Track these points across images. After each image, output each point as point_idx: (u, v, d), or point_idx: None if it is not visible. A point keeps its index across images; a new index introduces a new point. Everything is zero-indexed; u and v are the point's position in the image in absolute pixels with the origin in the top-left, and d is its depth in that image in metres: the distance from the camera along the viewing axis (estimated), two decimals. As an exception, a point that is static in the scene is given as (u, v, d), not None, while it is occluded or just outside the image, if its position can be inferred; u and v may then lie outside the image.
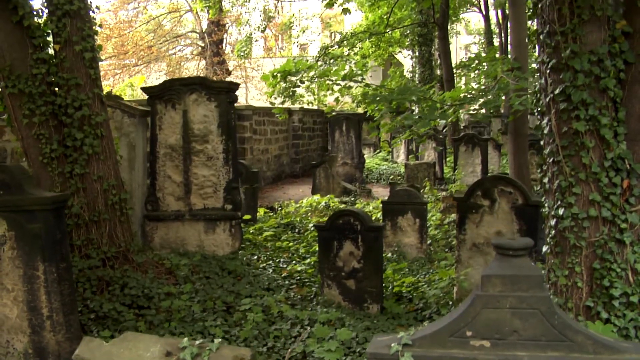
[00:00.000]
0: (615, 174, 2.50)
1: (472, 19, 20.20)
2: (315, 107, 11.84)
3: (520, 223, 3.57)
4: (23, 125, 3.63)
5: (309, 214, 6.33)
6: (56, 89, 3.69)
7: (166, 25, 12.60)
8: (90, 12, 3.86)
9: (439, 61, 13.13)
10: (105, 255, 3.66)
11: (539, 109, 2.66)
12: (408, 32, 13.25)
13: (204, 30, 12.10)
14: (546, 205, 2.69)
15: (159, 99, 4.44)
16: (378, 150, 11.61)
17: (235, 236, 4.35)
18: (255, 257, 4.54)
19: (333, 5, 7.04)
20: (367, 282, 3.60)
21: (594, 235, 2.53)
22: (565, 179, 2.54)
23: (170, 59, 12.57)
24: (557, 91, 2.51)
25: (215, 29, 11.60)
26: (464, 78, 14.41)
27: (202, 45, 12.44)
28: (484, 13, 16.79)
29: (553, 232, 2.63)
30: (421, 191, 6.94)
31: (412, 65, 14.51)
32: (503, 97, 5.61)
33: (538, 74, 2.64)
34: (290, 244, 4.97)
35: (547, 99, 2.58)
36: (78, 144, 3.66)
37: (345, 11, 7.20)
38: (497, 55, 15.51)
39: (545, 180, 2.67)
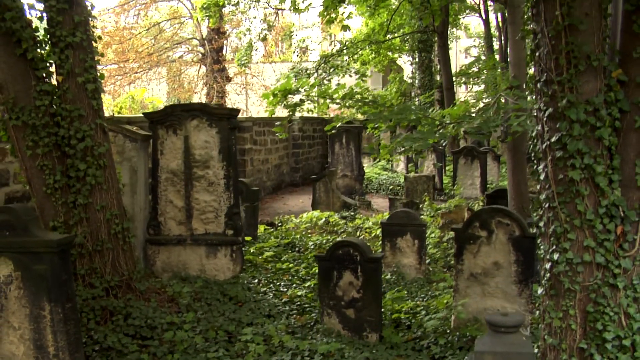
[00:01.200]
0: (610, 221, 2.55)
1: (472, 22, 20.19)
2: (315, 114, 11.88)
3: (517, 254, 3.63)
4: (27, 156, 3.68)
5: (309, 231, 6.38)
6: (59, 117, 3.73)
7: (167, 31, 12.60)
8: (93, 42, 3.90)
9: (438, 66, 13.15)
10: (109, 284, 3.72)
11: (535, 154, 2.71)
12: (408, 38, 13.26)
13: (204, 37, 12.11)
14: (542, 247, 2.75)
15: (161, 124, 4.48)
16: (378, 160, 11.67)
17: (236, 261, 4.40)
18: (256, 280, 4.60)
19: (333, 22, 7.07)
20: (367, 311, 3.66)
21: (588, 280, 2.59)
22: (560, 225, 2.59)
23: (171, 66, 12.58)
24: (553, 139, 2.56)
25: (216, 36, 11.61)
26: (463, 86, 14.44)
27: (203, 52, 12.45)
28: (484, 17, 16.79)
29: (548, 275, 2.68)
30: (420, 206, 6.99)
31: (412, 71, 14.53)
32: (502, 116, 5.64)
33: (535, 121, 2.68)
34: (291, 265, 5.03)
35: (544, 146, 2.63)
36: (81, 175, 3.71)
37: (345, 28, 7.22)
38: (497, 57, 15.56)
39: (541, 224, 2.72)
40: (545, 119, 2.60)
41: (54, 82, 3.79)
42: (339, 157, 8.33)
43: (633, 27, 2.52)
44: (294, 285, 4.58)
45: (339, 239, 5.98)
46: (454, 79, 11.37)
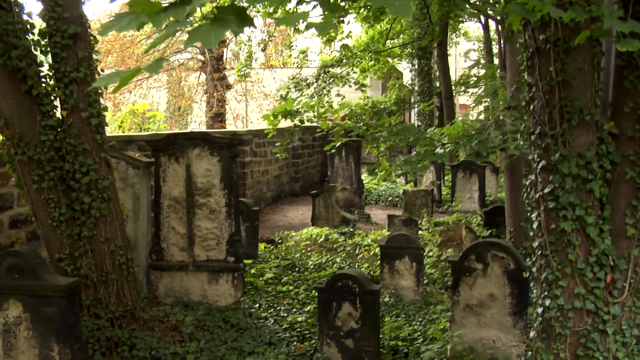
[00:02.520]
0: (600, 269, 2.64)
1: (472, 25, 20.20)
2: (315, 123, 11.94)
3: (512, 287, 3.72)
4: (32, 190, 3.76)
5: (308, 249, 6.47)
6: (64, 152, 3.80)
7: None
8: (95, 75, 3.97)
9: (437, 73, 13.20)
10: (113, 314, 3.81)
11: (529, 203, 2.79)
12: (407, 45, 13.30)
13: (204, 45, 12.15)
14: (534, 292, 2.83)
15: (163, 152, 4.55)
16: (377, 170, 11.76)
17: (237, 287, 4.49)
18: (257, 305, 4.69)
19: (332, 42, 7.13)
20: (365, 342, 3.75)
21: (578, 325, 2.68)
22: (552, 273, 2.68)
23: (170, 73, 12.61)
24: (546, 190, 2.65)
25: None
26: (463, 94, 14.47)
27: (203, 59, 12.50)
28: (483, 22, 16.80)
29: (540, 319, 2.77)
30: (419, 222, 7.08)
31: (412, 77, 14.57)
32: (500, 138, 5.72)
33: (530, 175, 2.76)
34: (291, 287, 5.12)
35: (537, 196, 2.71)
36: (86, 208, 3.79)
37: (345, 47, 7.28)
38: (497, 60, 15.54)
39: (534, 269, 2.81)
40: (538, 170, 2.68)
41: (58, 115, 3.86)
42: (339, 171, 8.41)
43: (624, 83, 2.59)
44: (294, 309, 4.67)
45: (338, 259, 6.09)
46: (453, 88, 11.42)
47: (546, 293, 2.71)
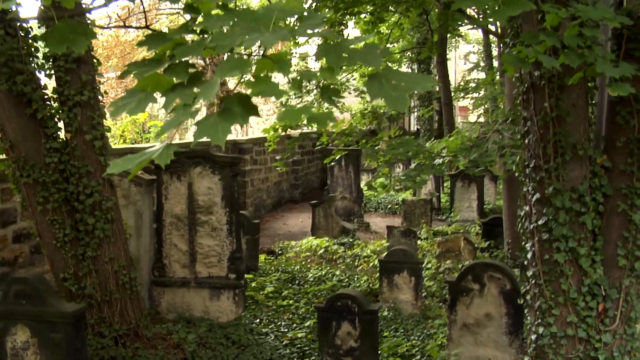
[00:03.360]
0: (592, 299, 2.71)
1: (471, 30, 20.17)
2: (314, 129, 11.98)
3: (508, 307, 3.79)
4: (37, 212, 3.82)
5: (308, 260, 6.55)
6: (68, 174, 3.87)
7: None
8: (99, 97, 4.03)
9: (437, 78, 13.24)
10: (117, 333, 3.88)
11: (524, 233, 2.86)
12: (406, 49, 13.33)
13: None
14: (528, 319, 2.91)
15: (165, 170, 4.62)
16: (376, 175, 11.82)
17: (238, 303, 4.57)
18: (258, 320, 4.76)
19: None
20: (364, 360, 3.83)
21: (571, 352, 2.75)
22: (545, 302, 2.75)
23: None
24: (540, 222, 2.71)
25: (216, 51, 11.73)
26: (462, 100, 14.52)
27: (203, 65, 12.55)
28: (483, 26, 16.79)
29: (533, 345, 2.85)
30: (418, 232, 7.15)
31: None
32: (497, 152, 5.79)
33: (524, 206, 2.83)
34: (291, 302, 5.19)
35: (532, 226, 2.78)
36: (90, 229, 3.86)
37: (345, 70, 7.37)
38: (496, 64, 15.57)
39: (528, 297, 2.88)
40: (533, 202, 2.75)
41: (62, 137, 3.93)
42: (338, 180, 8.48)
43: (617, 118, 2.65)
44: (294, 324, 4.75)
45: (337, 272, 6.16)
46: (452, 94, 11.47)
47: (540, 320, 2.78)
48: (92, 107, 3.90)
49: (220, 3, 1.37)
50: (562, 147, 2.64)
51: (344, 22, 6.33)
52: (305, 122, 1.17)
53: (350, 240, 7.31)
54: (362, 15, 7.00)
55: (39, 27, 3.95)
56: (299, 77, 1.19)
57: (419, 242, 7.09)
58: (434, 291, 5.62)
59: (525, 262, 2.88)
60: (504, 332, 3.82)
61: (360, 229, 8.14)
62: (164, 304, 4.70)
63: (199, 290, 4.60)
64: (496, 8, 1.60)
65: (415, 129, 15.58)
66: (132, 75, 1.29)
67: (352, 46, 1.24)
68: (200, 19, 1.29)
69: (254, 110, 1.18)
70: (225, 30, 1.29)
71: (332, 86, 1.23)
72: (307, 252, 6.64)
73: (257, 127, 13.57)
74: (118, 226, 3.99)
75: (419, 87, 1.13)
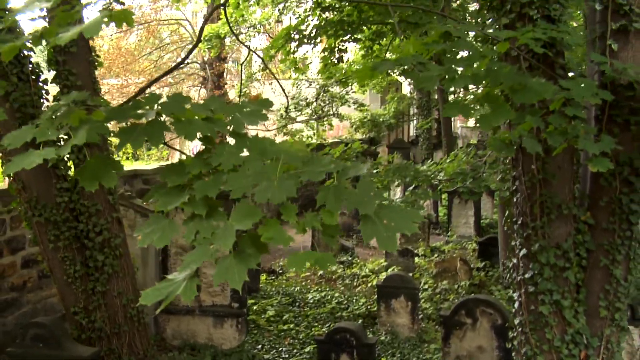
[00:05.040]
0: (575, 347, 2.88)
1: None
2: (314, 140, 12.13)
3: (499, 340, 3.98)
4: (49, 249, 3.99)
5: (307, 280, 6.73)
6: (78, 212, 4.03)
7: (165, 57, 12.80)
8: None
9: (436, 87, 13.38)
10: (126, 364, 4.07)
11: (511, 284, 3.03)
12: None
13: (205, 61, 12.33)
14: (516, 362, 3.08)
15: (170, 201, 4.77)
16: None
17: (241, 330, 4.75)
18: (260, 346, 4.95)
19: (332, 78, 7.35)
20: (361, 390, 4.02)
21: (556, 397, 2.93)
22: (531, 349, 2.92)
23: (171, 90, 12.76)
24: (526, 275, 2.88)
25: (217, 63, 11.84)
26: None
27: (204, 75, 12.66)
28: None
29: (521, 388, 3.03)
30: (415, 250, 7.32)
31: (410, 92, 14.75)
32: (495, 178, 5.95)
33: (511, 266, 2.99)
34: (292, 325, 5.37)
35: (519, 278, 2.95)
36: (99, 265, 4.02)
37: (344, 85, 7.50)
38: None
39: (515, 342, 3.05)
40: (520, 256, 2.92)
41: (72, 176, 4.08)
42: (338, 196, 8.63)
43: (600, 180, 2.81)
44: (295, 350, 4.93)
45: (336, 293, 6.33)
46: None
47: (526, 367, 2.96)
48: (99, 147, 4.05)
49: (230, 129, 1.54)
50: (548, 207, 2.80)
51: (344, 48, 6.47)
52: (308, 265, 1.33)
53: (349, 258, 7.48)
54: (360, 38, 7.13)
55: (49, 71, 4.09)
56: (302, 223, 1.35)
57: (416, 259, 7.26)
58: (430, 313, 5.80)
59: (513, 311, 3.05)
60: (496, 364, 4.01)
61: (359, 245, 8.31)
62: (169, 330, 4.88)
63: (203, 318, 4.78)
64: (480, 117, 1.76)
65: (414, 136, 15.70)
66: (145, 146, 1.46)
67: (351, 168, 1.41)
68: (213, 150, 1.44)
69: (265, 249, 1.34)
70: (235, 158, 1.45)
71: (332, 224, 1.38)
72: (306, 272, 6.82)
73: (254, 133, 13.69)
74: (126, 261, 4.16)
75: (407, 227, 1.29)
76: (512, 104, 2.46)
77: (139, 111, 1.45)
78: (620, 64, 2.58)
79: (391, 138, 15.08)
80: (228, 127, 1.50)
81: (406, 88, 16.09)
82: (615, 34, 2.75)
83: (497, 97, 1.82)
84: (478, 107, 1.88)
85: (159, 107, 1.44)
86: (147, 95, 1.57)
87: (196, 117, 1.47)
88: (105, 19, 1.43)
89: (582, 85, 2.25)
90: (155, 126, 1.39)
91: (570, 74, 2.89)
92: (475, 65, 1.87)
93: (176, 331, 4.87)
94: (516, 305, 2.98)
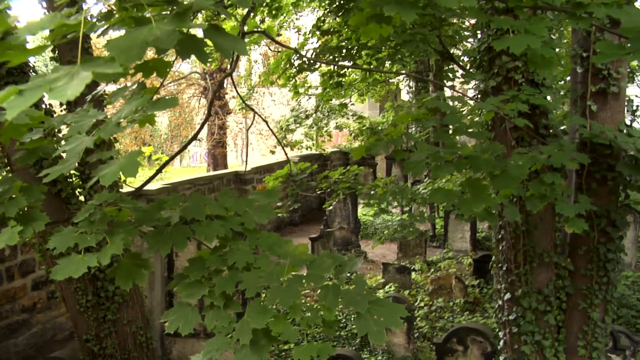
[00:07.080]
0: (556, 382, 3.12)
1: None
2: (313, 151, 12.34)
3: (488, 367, 4.21)
4: (62, 280, 4.19)
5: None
6: (89, 243, 4.24)
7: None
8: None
9: (434, 94, 13.56)
10: (135, 388, 4.29)
11: (497, 323, 3.26)
12: (405, 62, 13.63)
13: (205, 72, 12.51)
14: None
15: (176, 229, 4.98)
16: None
17: (244, 353, 4.97)
18: (262, 366, 5.17)
19: (331, 100, 7.54)
20: (358, 413, 4.25)
21: None
22: (516, 385, 3.16)
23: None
24: (510, 317, 3.11)
25: (217, 74, 12.02)
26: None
27: (205, 85, 12.84)
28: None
29: (506, 420, 3.26)
30: (412, 267, 7.55)
31: (409, 99, 14.93)
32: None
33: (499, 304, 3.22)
34: (292, 345, 5.60)
35: (503, 319, 3.18)
36: (110, 294, 4.24)
37: (344, 106, 7.71)
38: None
39: (502, 377, 3.29)
40: (504, 299, 3.14)
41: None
42: (337, 211, 8.86)
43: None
44: (295, 370, 5.15)
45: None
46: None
47: (511, 400, 3.20)
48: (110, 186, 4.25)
49: (243, 230, 1.76)
50: (531, 256, 3.02)
51: (343, 72, 6.66)
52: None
53: (348, 275, 7.69)
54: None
55: (61, 111, 4.28)
56: (306, 319, 1.57)
57: (413, 275, 7.49)
58: (425, 332, 6.03)
59: (499, 347, 3.28)
60: (485, 389, 4.24)
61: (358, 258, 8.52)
62: (175, 352, 5.10)
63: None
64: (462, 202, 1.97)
65: (412, 143, 15.88)
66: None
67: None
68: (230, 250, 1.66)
69: (274, 339, 1.56)
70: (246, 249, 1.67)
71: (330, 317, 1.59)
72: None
73: (255, 140, 13.87)
74: (135, 291, 4.38)
75: (394, 323, 1.51)
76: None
77: (164, 214, 1.66)
78: (598, 125, 2.79)
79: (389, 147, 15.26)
80: (241, 223, 1.71)
81: (405, 96, 16.28)
82: (594, 95, 2.96)
83: (478, 181, 2.03)
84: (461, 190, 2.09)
85: (181, 211, 1.65)
86: (170, 197, 1.78)
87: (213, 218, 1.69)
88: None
89: (562, 148, 2.46)
90: (180, 231, 1.61)
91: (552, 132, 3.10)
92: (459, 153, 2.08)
93: (182, 353, 5.09)
94: (501, 343, 3.21)
